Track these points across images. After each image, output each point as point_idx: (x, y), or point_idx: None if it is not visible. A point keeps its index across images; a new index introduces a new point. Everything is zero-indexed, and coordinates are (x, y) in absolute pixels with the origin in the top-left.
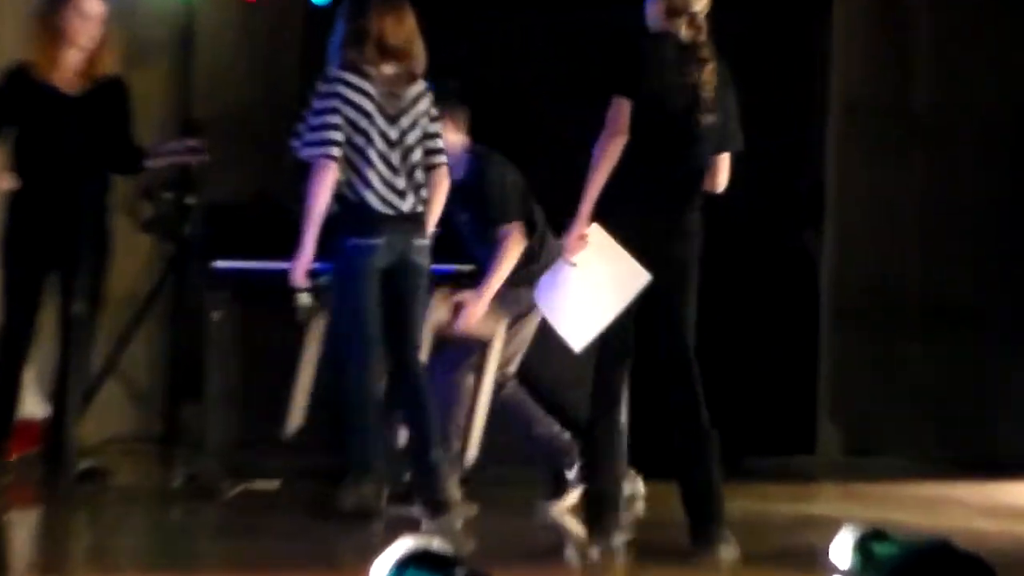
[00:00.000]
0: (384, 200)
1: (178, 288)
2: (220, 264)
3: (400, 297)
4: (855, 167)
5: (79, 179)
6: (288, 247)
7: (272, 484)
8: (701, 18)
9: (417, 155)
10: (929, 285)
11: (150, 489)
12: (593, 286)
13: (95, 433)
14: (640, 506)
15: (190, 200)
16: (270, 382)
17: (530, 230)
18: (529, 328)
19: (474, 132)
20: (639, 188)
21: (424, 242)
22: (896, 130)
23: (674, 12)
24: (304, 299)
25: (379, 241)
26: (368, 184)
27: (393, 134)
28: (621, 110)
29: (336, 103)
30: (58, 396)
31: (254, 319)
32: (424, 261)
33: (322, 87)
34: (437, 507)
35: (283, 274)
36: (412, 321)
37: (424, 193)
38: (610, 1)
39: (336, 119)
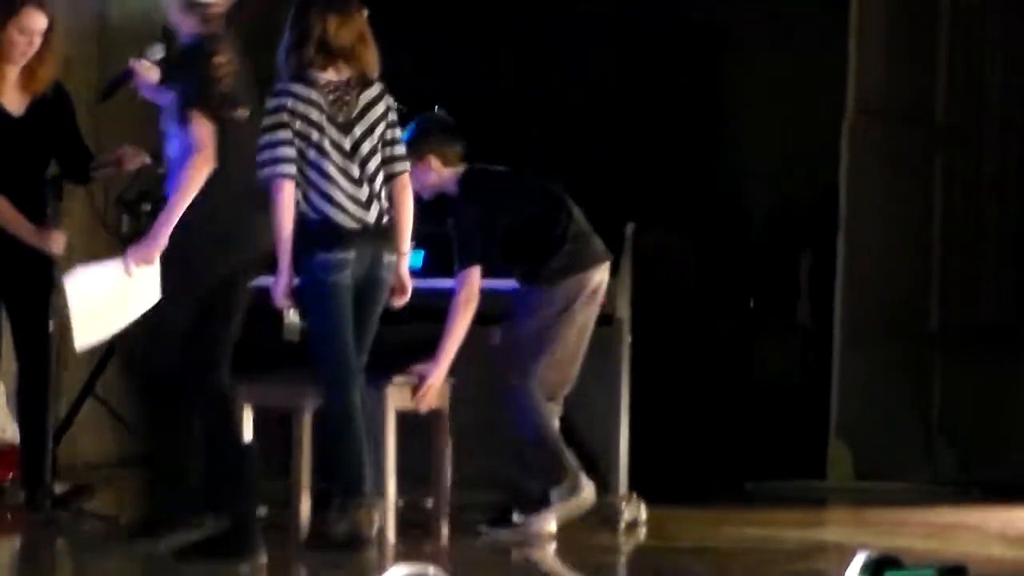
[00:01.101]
0: (349, 214)
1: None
2: None
3: (356, 314)
4: (871, 177)
5: (28, 198)
6: (274, 262)
7: (260, 510)
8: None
9: (373, 164)
10: (948, 303)
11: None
12: (122, 296)
13: (76, 457)
14: (642, 531)
15: None
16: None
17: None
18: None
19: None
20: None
21: (392, 258)
22: (916, 138)
23: (191, 6)
24: (291, 317)
25: (349, 255)
26: (329, 199)
27: (347, 144)
28: (209, 129)
29: (283, 117)
30: (34, 419)
31: (241, 338)
32: (388, 277)
33: (269, 102)
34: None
35: (270, 291)
36: (364, 340)
37: (385, 203)
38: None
39: (285, 134)
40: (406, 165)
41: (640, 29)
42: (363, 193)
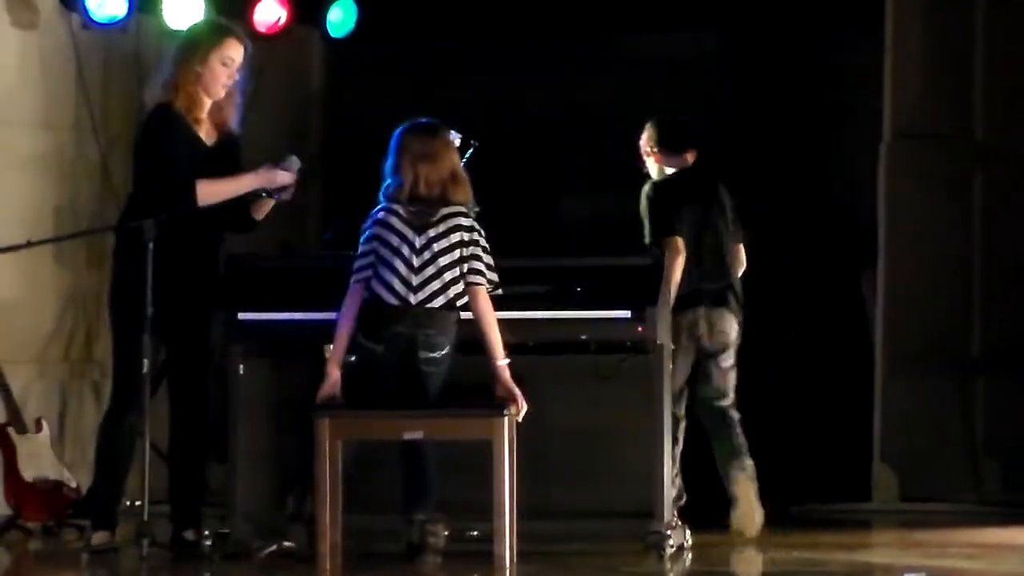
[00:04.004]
0: (395, 293)
1: None
2: (243, 316)
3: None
4: (910, 198)
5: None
6: (312, 297)
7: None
8: None
9: (445, 260)
10: (989, 324)
11: (180, 550)
12: None
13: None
14: (688, 557)
15: None
16: (301, 436)
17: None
18: None
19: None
20: None
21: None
22: (955, 157)
23: None
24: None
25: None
26: (382, 281)
27: (418, 241)
28: None
29: (372, 244)
30: (187, 463)
31: (281, 373)
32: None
33: (365, 223)
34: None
35: (309, 325)
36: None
37: (451, 293)
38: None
39: (368, 247)
40: (480, 279)
41: (680, 61)
42: (416, 278)
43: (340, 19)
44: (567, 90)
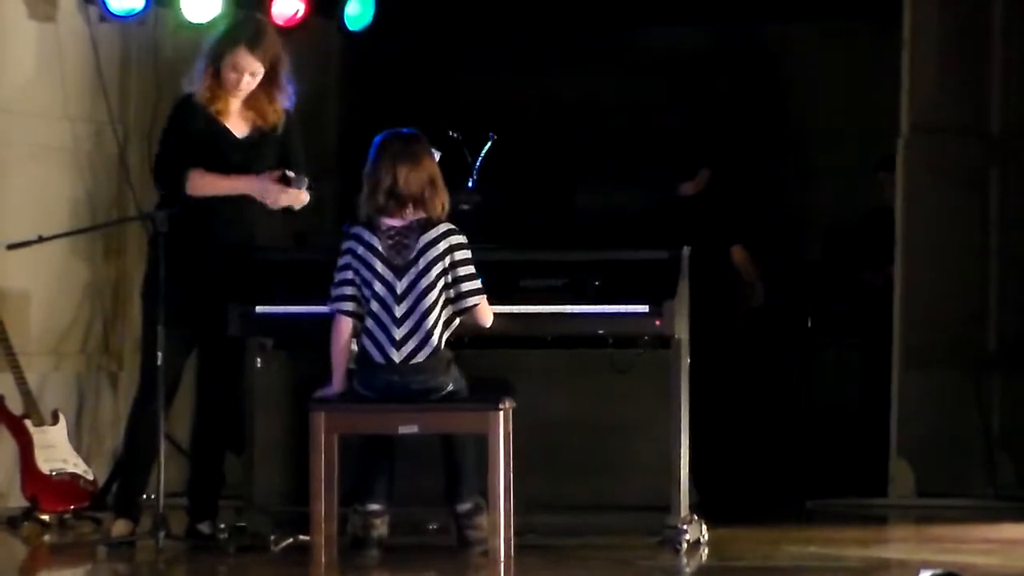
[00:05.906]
0: (381, 349)
1: None
2: (260, 309)
3: None
4: (927, 194)
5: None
6: (329, 290)
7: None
8: None
9: (428, 302)
10: (1006, 318)
11: (195, 542)
12: None
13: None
14: (704, 551)
15: None
16: None
17: None
18: None
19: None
20: None
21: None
22: (972, 151)
23: None
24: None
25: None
26: (369, 335)
27: (399, 286)
28: None
29: (351, 261)
30: (210, 456)
31: (298, 366)
32: None
33: (343, 243)
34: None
35: (326, 318)
36: None
37: (435, 340)
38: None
39: (349, 275)
40: (476, 299)
41: (696, 56)
42: (399, 332)
43: (357, 12)
44: (585, 83)
